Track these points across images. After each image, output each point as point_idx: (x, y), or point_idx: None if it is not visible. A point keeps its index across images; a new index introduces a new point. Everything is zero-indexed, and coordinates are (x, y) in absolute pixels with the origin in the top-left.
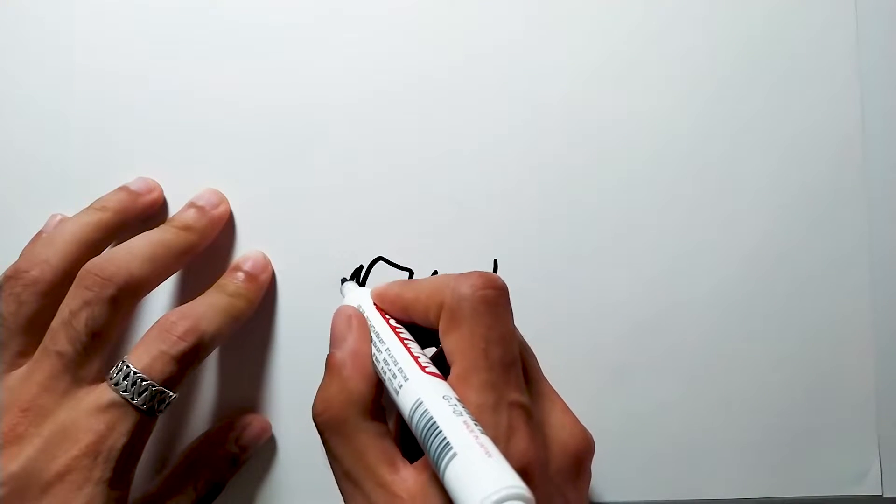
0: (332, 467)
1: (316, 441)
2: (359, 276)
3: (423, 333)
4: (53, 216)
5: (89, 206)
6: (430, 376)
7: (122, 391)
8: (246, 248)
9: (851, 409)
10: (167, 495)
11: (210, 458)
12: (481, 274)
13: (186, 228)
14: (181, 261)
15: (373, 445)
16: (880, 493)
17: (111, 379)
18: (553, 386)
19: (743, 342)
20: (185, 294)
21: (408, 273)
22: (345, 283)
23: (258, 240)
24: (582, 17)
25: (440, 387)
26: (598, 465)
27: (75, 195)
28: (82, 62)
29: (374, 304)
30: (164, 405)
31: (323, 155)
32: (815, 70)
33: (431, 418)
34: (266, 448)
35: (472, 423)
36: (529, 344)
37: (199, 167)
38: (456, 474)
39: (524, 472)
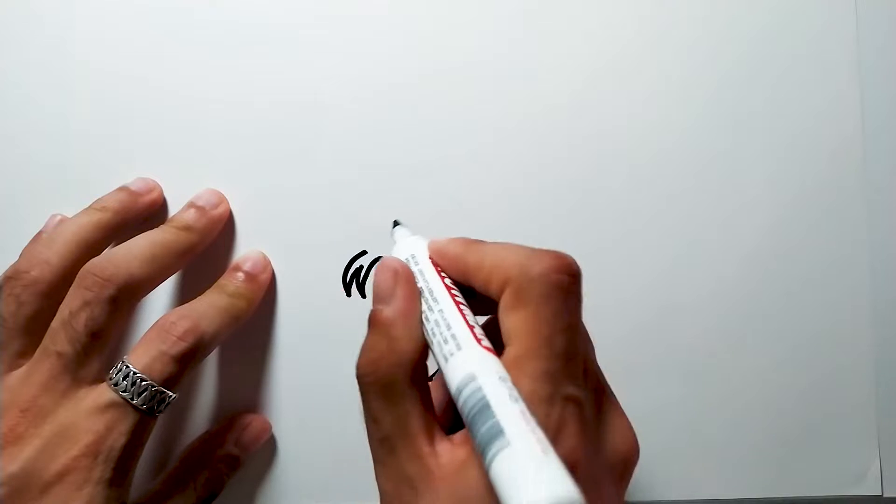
0: (368, 429)
1: (315, 441)
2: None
3: (471, 296)
4: (53, 216)
5: (89, 207)
6: (485, 351)
7: (122, 391)
8: (246, 248)
9: (851, 409)
10: (167, 495)
11: (210, 458)
12: (557, 255)
13: (186, 228)
14: (181, 261)
15: (416, 413)
16: (880, 493)
17: (111, 379)
18: None
19: (743, 342)
20: (185, 294)
21: None
22: (397, 227)
23: (258, 240)
24: (581, 18)
25: (496, 365)
26: None
27: (75, 195)
28: (82, 62)
29: (430, 258)
30: (163, 405)
31: (323, 155)
32: (815, 70)
33: (484, 397)
34: (266, 448)
35: (528, 413)
36: None
37: (199, 167)
38: (506, 467)
39: (570, 470)
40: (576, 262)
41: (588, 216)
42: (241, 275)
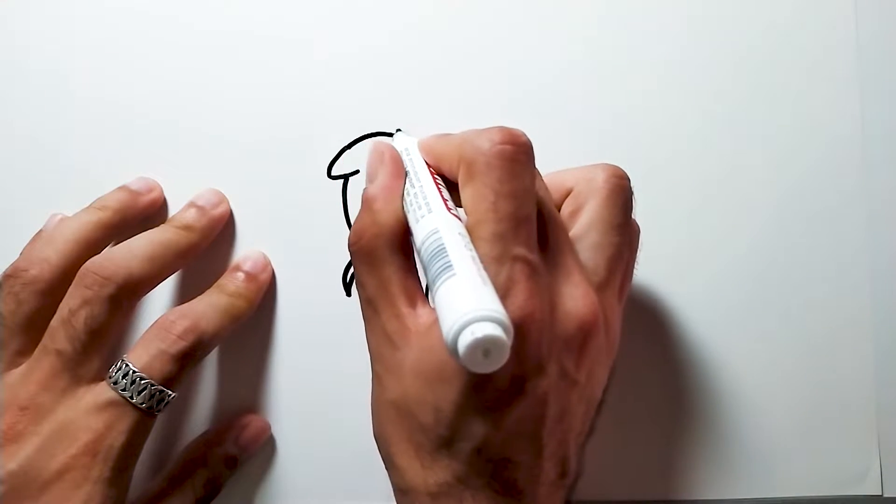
0: (358, 293)
1: (315, 441)
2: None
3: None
4: (53, 216)
5: (89, 206)
6: (452, 215)
7: (122, 390)
8: (246, 248)
9: (851, 409)
10: (166, 495)
11: (209, 458)
12: (502, 129)
13: (186, 228)
14: (181, 260)
15: (396, 278)
16: (880, 493)
17: (110, 377)
18: None
19: (742, 342)
20: (185, 294)
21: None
22: (398, 132)
23: (258, 240)
24: (582, 15)
25: (459, 226)
26: (597, 464)
27: (75, 195)
28: (83, 62)
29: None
30: (162, 404)
31: (324, 154)
32: (816, 70)
33: (442, 244)
34: (265, 448)
35: (479, 261)
36: None
37: (199, 167)
38: (446, 292)
39: (520, 325)
40: (523, 134)
41: None
42: (241, 275)
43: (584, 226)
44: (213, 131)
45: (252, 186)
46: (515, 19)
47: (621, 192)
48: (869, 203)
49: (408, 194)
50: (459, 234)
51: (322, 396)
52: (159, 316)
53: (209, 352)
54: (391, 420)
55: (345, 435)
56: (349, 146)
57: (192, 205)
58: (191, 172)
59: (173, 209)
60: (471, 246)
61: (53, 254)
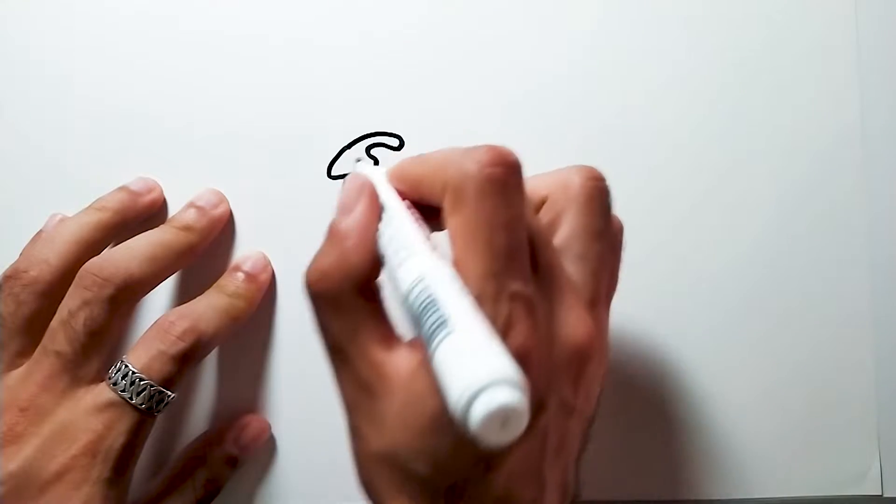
0: (320, 337)
1: (315, 441)
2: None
3: (435, 215)
4: (53, 216)
5: (89, 206)
6: (436, 257)
7: (121, 391)
8: (246, 248)
9: (851, 409)
10: (166, 495)
11: (209, 458)
12: (490, 148)
13: (186, 228)
14: (181, 261)
15: (366, 324)
16: (880, 493)
17: (110, 378)
18: None
19: (742, 342)
20: (185, 294)
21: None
22: (359, 162)
23: (258, 240)
24: (581, 15)
25: (446, 268)
26: (597, 464)
27: (75, 195)
28: (82, 62)
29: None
30: (162, 405)
31: (324, 154)
32: (815, 70)
33: (431, 294)
34: (265, 448)
35: (475, 307)
36: None
37: (199, 167)
38: (448, 354)
39: (521, 364)
40: (512, 153)
41: None
42: (240, 275)
43: (566, 237)
44: (212, 131)
45: (252, 186)
46: (515, 19)
47: (599, 196)
48: (869, 202)
49: (381, 235)
50: (448, 277)
51: (322, 396)
52: (159, 316)
53: (209, 352)
54: (378, 472)
55: (344, 435)
56: (349, 146)
57: (191, 205)
58: (191, 172)
59: (173, 209)
60: (464, 291)
61: (53, 255)
